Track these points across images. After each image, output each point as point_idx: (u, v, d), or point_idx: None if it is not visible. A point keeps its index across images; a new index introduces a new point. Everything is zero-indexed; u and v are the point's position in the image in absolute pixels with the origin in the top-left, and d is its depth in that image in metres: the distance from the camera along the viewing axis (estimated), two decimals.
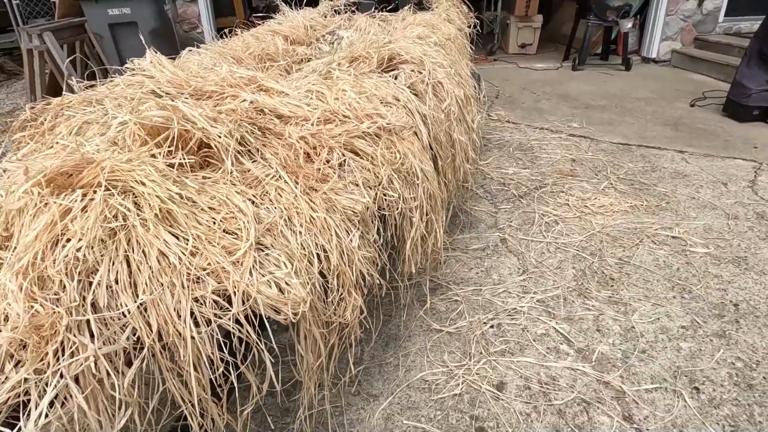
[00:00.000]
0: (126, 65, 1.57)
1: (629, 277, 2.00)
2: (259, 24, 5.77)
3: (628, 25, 5.18)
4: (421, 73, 1.75)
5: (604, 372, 1.56)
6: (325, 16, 3.12)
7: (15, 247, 0.78)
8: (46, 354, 0.70)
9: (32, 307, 0.69)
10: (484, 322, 1.77)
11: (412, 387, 1.53)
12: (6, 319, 0.70)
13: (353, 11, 3.20)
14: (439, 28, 2.38)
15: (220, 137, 1.07)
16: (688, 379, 1.52)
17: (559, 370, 1.57)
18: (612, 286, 1.96)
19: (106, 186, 0.88)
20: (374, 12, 3.14)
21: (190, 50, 2.11)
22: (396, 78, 1.72)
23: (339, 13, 3.17)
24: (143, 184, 0.89)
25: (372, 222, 1.24)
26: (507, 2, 6.18)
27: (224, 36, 5.70)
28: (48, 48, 3.88)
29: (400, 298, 1.87)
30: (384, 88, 1.59)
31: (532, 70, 5.52)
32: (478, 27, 3.33)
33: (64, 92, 1.37)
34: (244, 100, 1.29)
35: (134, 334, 0.80)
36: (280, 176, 1.12)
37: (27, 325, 0.68)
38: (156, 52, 1.66)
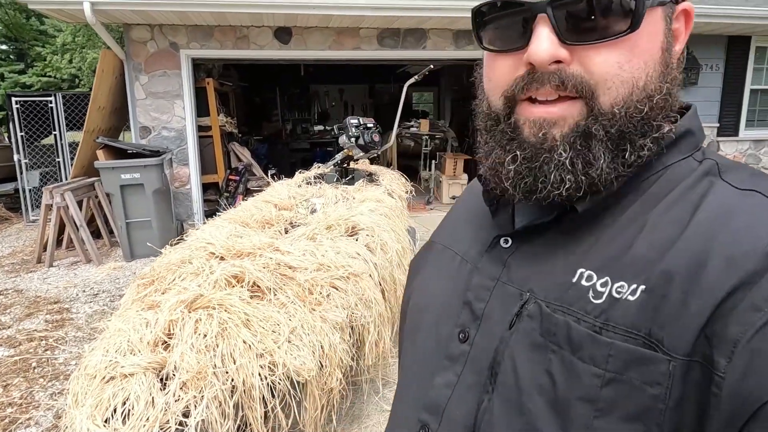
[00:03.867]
0: (186, 233, 2.47)
1: None
2: (235, 180, 6.89)
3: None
4: (372, 236, 2.75)
5: None
6: (300, 186, 4.20)
7: (179, 338, 1.59)
8: (201, 386, 1.48)
9: (198, 362, 1.50)
10: None
11: None
12: (183, 368, 1.49)
13: (320, 182, 4.31)
14: (384, 201, 3.47)
15: (265, 280, 1.96)
16: None
17: None
18: None
19: (214, 307, 1.72)
20: (336, 183, 4.26)
21: (216, 216, 3.02)
22: (357, 239, 2.70)
23: (310, 184, 4.26)
24: (233, 306, 1.74)
25: (345, 329, 2.10)
26: (439, 165, 7.72)
27: (206, 189, 6.78)
28: (67, 204, 4.73)
29: (360, 390, 2.64)
30: (351, 247, 2.54)
31: None
32: (413, 192, 4.52)
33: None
34: (270, 258, 2.20)
35: (232, 381, 1.59)
36: (295, 302, 1.98)
37: (195, 371, 1.48)
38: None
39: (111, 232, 5.54)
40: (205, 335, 1.62)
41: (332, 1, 5.12)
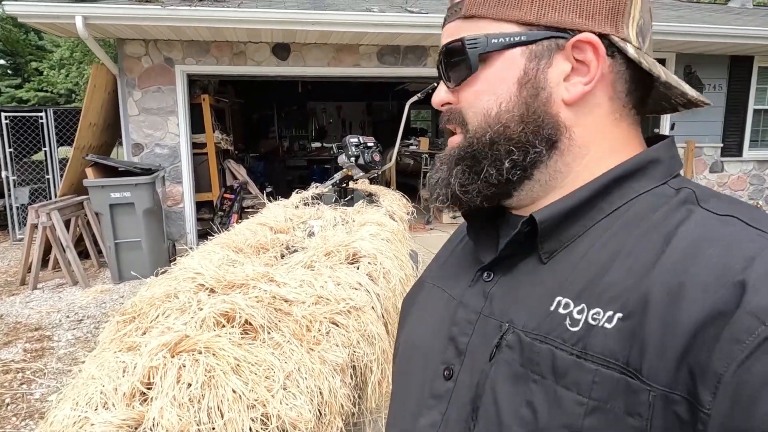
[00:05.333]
0: (177, 254, 2.28)
1: None
2: (230, 198, 6.72)
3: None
4: (374, 264, 2.57)
5: None
6: (297, 207, 4.02)
7: (159, 389, 1.40)
8: None
9: (180, 418, 1.31)
10: None
11: None
12: (163, 426, 1.30)
13: (318, 202, 4.14)
14: (385, 224, 3.30)
15: (258, 318, 1.77)
16: None
17: None
18: None
19: (201, 351, 1.53)
20: (335, 204, 4.09)
21: (209, 240, 2.84)
22: (358, 268, 2.51)
23: (307, 205, 4.09)
24: (222, 349, 1.55)
25: (347, 370, 1.91)
26: None
27: (200, 208, 6.58)
28: (53, 224, 4.53)
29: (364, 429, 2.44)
30: (352, 276, 2.36)
31: None
32: (414, 213, 4.35)
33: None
34: (264, 290, 2.02)
35: None
36: (291, 342, 1.79)
37: (179, 428, 1.29)
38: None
39: (100, 252, 5.34)
40: (190, 385, 1.43)
41: (332, 18, 5.01)
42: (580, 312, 0.43)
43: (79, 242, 5.23)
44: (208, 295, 1.98)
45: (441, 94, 0.56)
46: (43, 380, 2.95)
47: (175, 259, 5.69)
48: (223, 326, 1.70)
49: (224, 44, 5.60)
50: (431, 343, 0.57)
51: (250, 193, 6.70)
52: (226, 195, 6.34)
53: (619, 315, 0.40)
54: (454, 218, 7.44)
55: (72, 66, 14.25)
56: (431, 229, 7.14)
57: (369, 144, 4.08)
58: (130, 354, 1.59)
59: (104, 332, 1.93)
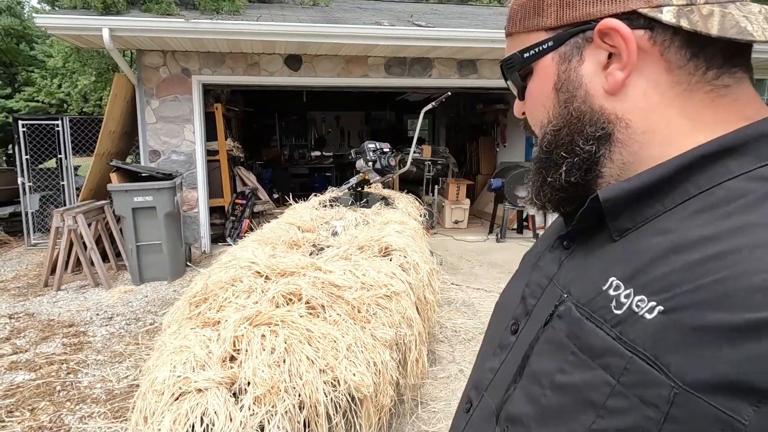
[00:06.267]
0: (223, 253, 2.49)
1: None
2: (241, 204, 6.89)
3: (533, 209, 6.79)
4: (405, 257, 2.79)
5: None
6: (317, 209, 4.24)
7: (249, 354, 1.60)
8: (275, 399, 1.49)
9: (272, 377, 1.52)
10: None
11: None
12: (256, 383, 1.51)
13: (336, 204, 4.36)
14: (407, 223, 3.53)
15: (318, 299, 1.99)
16: None
17: None
18: None
19: (277, 323, 1.74)
20: (351, 206, 4.32)
21: (237, 240, 3.04)
22: (391, 260, 2.74)
23: (325, 207, 4.30)
24: (295, 322, 1.77)
25: (393, 347, 2.13)
26: (442, 189, 7.83)
27: (211, 213, 6.76)
28: (78, 227, 4.70)
29: (399, 410, 2.65)
30: (386, 267, 2.59)
31: (465, 242, 6.89)
32: (427, 215, 4.59)
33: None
34: (315, 276, 2.23)
35: (299, 396, 1.60)
36: (347, 320, 2.01)
37: (269, 386, 1.50)
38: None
39: (118, 255, 5.50)
40: (273, 351, 1.64)
41: (344, 31, 5.27)
42: (627, 296, 0.42)
43: (97, 245, 5.39)
44: (265, 281, 2.20)
45: (517, 106, 0.60)
46: (87, 370, 3.12)
47: (191, 262, 5.81)
48: (293, 303, 1.92)
49: (239, 55, 5.83)
50: (513, 298, 0.61)
51: (260, 199, 6.90)
52: (237, 200, 6.54)
53: (660, 308, 0.39)
54: (456, 223, 7.69)
55: (65, 76, 14.32)
56: (435, 233, 7.38)
57: (385, 150, 4.32)
58: (209, 328, 1.80)
59: (171, 313, 2.13)
